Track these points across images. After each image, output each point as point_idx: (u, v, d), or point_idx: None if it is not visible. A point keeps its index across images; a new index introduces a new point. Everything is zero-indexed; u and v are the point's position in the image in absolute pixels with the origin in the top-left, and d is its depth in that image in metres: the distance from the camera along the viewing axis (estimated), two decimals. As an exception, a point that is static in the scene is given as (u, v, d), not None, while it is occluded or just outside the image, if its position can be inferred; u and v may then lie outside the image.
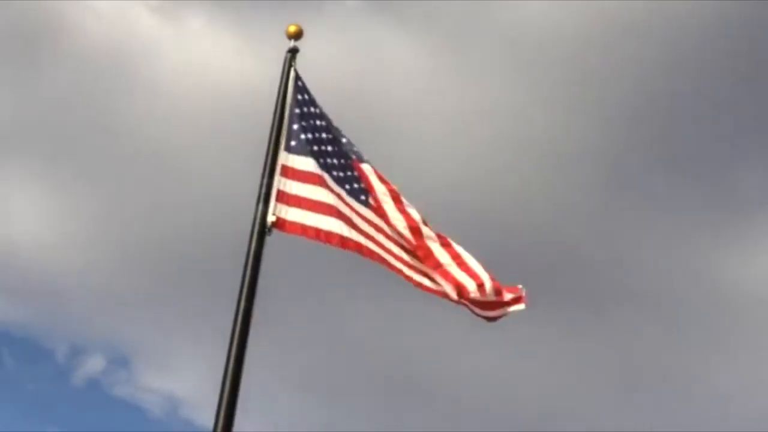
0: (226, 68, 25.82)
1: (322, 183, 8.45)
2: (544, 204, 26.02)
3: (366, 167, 8.99)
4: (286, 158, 8.48)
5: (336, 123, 9.15)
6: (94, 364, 29.64)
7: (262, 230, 8.00)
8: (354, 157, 8.97)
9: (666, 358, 27.69)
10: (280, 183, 8.31)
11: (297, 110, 8.74)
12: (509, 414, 26.75)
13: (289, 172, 8.41)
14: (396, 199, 8.90)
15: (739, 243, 28.90)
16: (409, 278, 8.60)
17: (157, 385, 29.49)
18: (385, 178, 9.03)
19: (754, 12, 27.26)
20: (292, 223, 8.17)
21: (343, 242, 8.27)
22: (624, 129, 28.30)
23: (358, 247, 8.36)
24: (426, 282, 8.68)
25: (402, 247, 8.73)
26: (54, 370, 30.32)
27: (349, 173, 8.82)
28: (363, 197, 8.78)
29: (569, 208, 27.61)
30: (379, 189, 8.90)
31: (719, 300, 27.95)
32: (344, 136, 9.07)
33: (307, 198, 8.33)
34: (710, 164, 30.02)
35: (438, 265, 8.69)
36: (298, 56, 9.00)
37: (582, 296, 27.63)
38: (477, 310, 8.78)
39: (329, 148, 8.79)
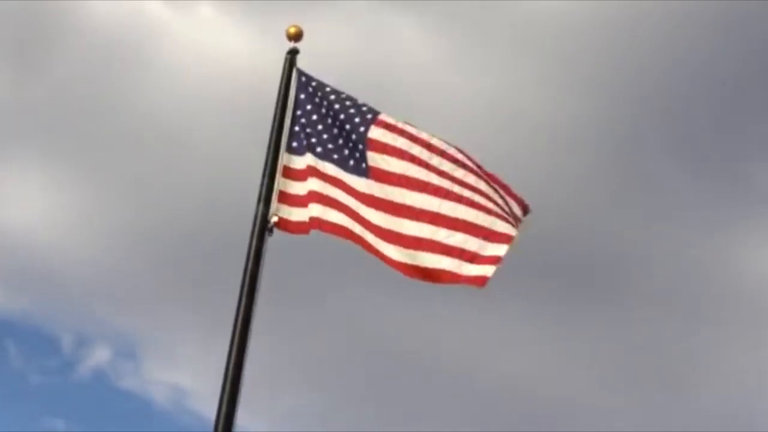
0: (237, 56, 25.81)
1: (317, 175, 8.61)
2: (551, 193, 25.96)
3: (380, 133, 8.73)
4: (288, 159, 8.74)
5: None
6: (100, 356, 29.71)
7: (263, 229, 8.23)
8: (364, 128, 8.72)
9: (685, 353, 27.62)
10: (282, 184, 8.58)
11: (298, 111, 8.94)
12: (522, 410, 26.84)
13: (291, 174, 8.67)
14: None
15: (757, 234, 28.74)
16: (397, 266, 8.25)
17: (164, 376, 29.56)
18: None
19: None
20: (296, 224, 8.46)
21: (344, 232, 8.40)
22: (632, 123, 28.32)
23: (350, 234, 8.38)
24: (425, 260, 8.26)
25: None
26: (59, 362, 30.39)
27: (351, 147, 8.67)
28: (363, 165, 8.57)
29: (578, 199, 27.59)
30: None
31: (738, 293, 27.86)
32: (357, 106, 8.89)
33: (305, 194, 8.54)
34: (723, 154, 29.90)
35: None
36: (302, 55, 9.09)
37: (592, 288, 27.65)
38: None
39: (333, 132, 8.79)
